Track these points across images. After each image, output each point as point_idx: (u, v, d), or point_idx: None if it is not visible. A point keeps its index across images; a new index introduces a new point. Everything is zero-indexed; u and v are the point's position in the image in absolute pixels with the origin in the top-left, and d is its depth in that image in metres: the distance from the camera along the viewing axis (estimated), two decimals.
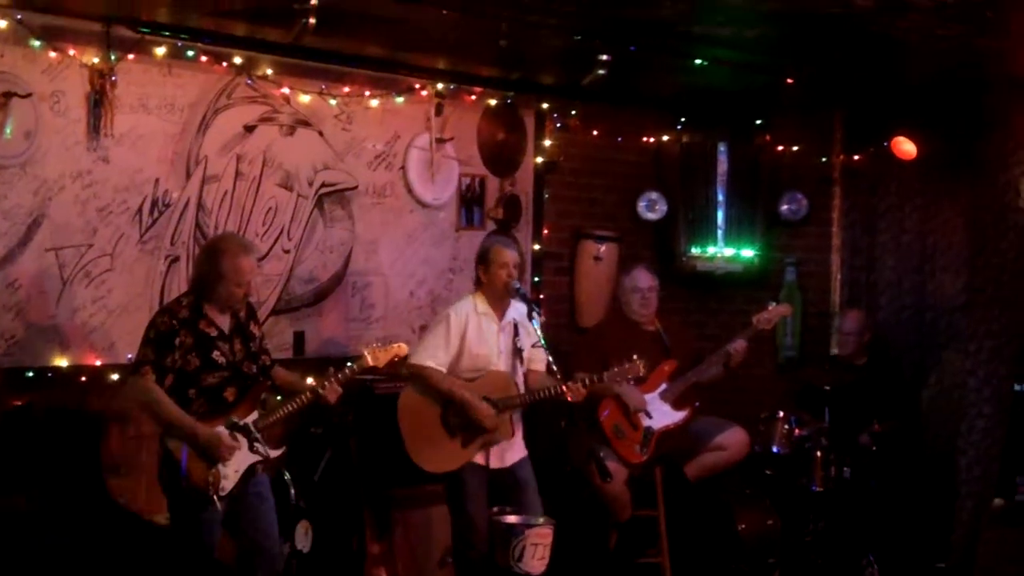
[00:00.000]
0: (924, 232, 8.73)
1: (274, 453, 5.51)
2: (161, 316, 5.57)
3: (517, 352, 6.43)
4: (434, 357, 6.40)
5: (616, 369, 6.55)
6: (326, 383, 5.76)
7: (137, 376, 5.48)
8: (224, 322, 5.65)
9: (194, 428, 5.42)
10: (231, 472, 5.51)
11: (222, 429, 5.45)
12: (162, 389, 5.44)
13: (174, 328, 5.48)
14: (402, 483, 6.91)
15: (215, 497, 5.42)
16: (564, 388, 6.24)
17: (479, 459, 6.41)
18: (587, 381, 6.36)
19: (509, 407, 6.38)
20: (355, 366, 5.91)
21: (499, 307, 6.52)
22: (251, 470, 5.60)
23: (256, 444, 5.32)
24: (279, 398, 5.93)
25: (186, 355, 5.49)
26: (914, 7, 6.02)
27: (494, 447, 6.41)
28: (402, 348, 6.13)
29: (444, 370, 6.40)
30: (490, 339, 6.46)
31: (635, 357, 6.56)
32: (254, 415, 5.62)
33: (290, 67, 7.09)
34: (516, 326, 6.42)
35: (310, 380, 6.08)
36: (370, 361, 5.94)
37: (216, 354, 5.56)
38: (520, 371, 6.46)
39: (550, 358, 6.33)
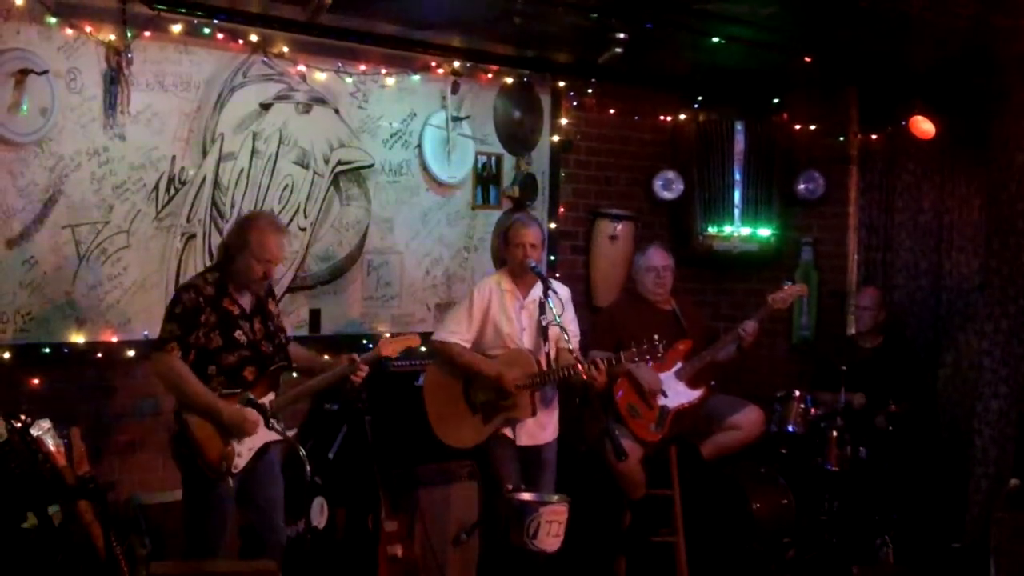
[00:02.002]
0: (941, 212, 8.71)
1: (290, 432, 5.52)
2: (187, 292, 5.55)
3: (542, 330, 6.45)
4: (456, 333, 6.50)
5: (635, 349, 6.53)
6: (357, 364, 5.79)
7: (163, 352, 5.46)
8: (246, 300, 5.66)
9: (219, 406, 5.44)
10: (245, 450, 5.53)
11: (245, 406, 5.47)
12: (187, 366, 5.45)
13: (200, 305, 5.47)
14: (418, 461, 6.95)
15: (228, 474, 5.45)
16: (580, 367, 6.25)
17: (508, 433, 6.45)
18: (605, 361, 6.37)
19: (527, 386, 6.40)
20: (370, 354, 5.95)
21: (523, 285, 6.57)
22: (264, 448, 5.63)
23: (272, 422, 5.33)
24: (296, 376, 5.95)
25: (209, 333, 5.49)
26: None
27: (523, 425, 6.46)
28: (414, 339, 6.21)
29: (468, 347, 6.47)
30: (513, 316, 6.51)
31: (655, 337, 6.53)
32: (271, 395, 5.64)
33: (306, 45, 7.07)
34: (542, 304, 6.44)
35: (325, 357, 6.12)
36: (383, 351, 5.98)
37: (238, 333, 5.57)
38: (544, 349, 6.46)
39: (567, 336, 6.34)
